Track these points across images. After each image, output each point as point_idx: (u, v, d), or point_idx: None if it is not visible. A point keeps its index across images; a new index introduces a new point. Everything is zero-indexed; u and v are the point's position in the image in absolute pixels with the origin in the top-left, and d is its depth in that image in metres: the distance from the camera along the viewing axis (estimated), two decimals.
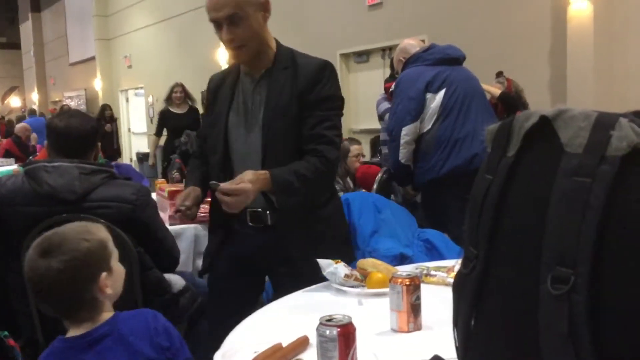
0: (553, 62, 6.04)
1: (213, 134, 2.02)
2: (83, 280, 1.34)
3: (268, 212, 1.94)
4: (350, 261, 1.89)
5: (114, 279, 1.40)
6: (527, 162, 0.79)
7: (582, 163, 0.70)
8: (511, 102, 4.82)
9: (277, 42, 1.98)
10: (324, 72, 1.92)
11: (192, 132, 5.70)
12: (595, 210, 0.67)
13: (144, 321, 1.38)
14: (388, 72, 5.23)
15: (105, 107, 11.52)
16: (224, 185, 1.73)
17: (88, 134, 2.18)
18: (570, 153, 0.72)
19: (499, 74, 5.35)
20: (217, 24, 1.84)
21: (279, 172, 1.83)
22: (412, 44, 3.57)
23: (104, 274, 1.36)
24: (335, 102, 1.95)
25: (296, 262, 1.92)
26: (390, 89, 3.81)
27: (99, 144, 2.26)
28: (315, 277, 1.77)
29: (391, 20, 7.89)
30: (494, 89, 4.92)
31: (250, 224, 1.97)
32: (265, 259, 1.99)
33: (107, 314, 1.39)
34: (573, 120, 0.74)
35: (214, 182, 1.79)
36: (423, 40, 3.71)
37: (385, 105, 4.25)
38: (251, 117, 1.94)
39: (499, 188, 0.81)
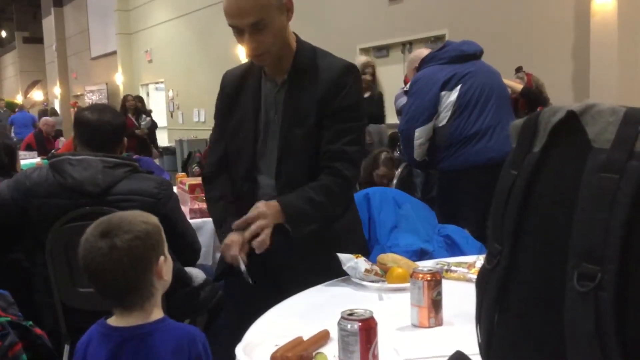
0: (576, 57, 5.97)
1: (236, 142, 1.87)
2: (144, 261, 1.32)
3: None
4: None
5: (167, 266, 1.38)
6: (553, 158, 0.78)
7: (610, 159, 0.69)
8: (533, 97, 4.79)
9: (298, 40, 1.81)
10: (348, 77, 1.75)
11: None
12: (624, 207, 0.67)
13: (178, 343, 1.32)
14: None
15: (136, 99, 10.68)
16: (237, 223, 1.66)
17: (118, 128, 2.22)
18: (597, 149, 0.72)
19: (519, 69, 5.31)
20: (238, 29, 1.67)
21: (291, 202, 1.71)
22: (422, 51, 3.64)
23: (162, 258, 1.35)
24: (358, 111, 1.78)
25: (300, 272, 1.80)
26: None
27: (126, 139, 2.29)
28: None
29: (411, 14, 7.86)
30: (515, 84, 4.89)
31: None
32: (275, 262, 1.85)
33: (158, 312, 1.36)
34: (601, 115, 0.73)
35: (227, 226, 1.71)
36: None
37: (404, 99, 4.23)
38: (273, 126, 1.81)
39: (524, 184, 0.80)
